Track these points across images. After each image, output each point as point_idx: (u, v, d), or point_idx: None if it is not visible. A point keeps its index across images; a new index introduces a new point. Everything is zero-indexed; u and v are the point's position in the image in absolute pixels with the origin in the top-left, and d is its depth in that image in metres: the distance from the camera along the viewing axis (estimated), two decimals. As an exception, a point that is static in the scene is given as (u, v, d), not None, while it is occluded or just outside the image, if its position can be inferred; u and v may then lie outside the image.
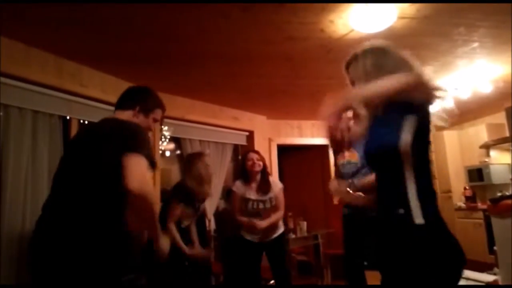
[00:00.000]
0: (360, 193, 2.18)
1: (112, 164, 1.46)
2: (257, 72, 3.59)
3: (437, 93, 1.27)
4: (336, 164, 3.29)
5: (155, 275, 2.73)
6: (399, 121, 1.23)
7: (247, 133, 5.15)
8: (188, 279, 2.86)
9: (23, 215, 2.64)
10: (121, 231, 1.54)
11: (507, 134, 5.06)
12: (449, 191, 5.69)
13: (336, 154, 3.30)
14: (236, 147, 5.14)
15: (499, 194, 4.63)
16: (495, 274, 3.73)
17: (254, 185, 3.27)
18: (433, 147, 5.95)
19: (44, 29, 2.58)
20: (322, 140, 5.71)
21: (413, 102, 1.23)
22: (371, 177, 2.56)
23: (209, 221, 4.38)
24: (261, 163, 3.27)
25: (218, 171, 4.66)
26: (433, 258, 1.17)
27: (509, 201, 3.43)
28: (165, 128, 3.99)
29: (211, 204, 4.45)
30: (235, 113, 4.93)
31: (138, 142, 1.53)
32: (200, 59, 3.23)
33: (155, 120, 1.89)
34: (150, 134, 1.97)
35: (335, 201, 3.13)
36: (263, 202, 3.24)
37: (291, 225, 4.53)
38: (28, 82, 2.78)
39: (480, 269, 3.76)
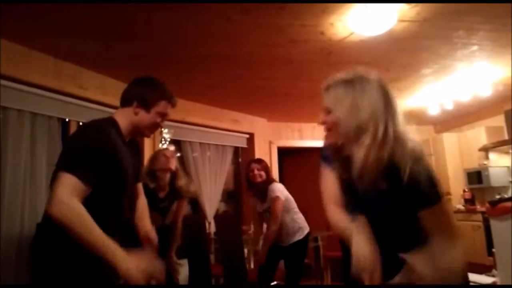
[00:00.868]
0: None
1: None
2: (258, 74, 3.60)
3: None
4: None
5: None
6: None
7: (247, 136, 5.15)
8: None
9: (22, 217, 2.64)
10: (121, 234, 1.53)
11: (506, 137, 5.06)
12: (448, 193, 5.69)
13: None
14: (236, 150, 5.14)
15: (497, 196, 4.63)
16: (493, 276, 3.73)
17: (257, 196, 3.23)
18: (432, 149, 5.97)
19: (44, 31, 2.58)
20: (322, 143, 5.72)
21: None
22: None
23: (209, 223, 4.37)
24: (262, 173, 3.17)
25: (218, 174, 4.66)
26: None
27: (507, 204, 3.42)
28: (165, 130, 3.98)
29: (211, 207, 4.44)
30: (235, 115, 4.93)
31: (73, 157, 1.32)
32: (201, 62, 3.24)
33: (161, 115, 1.55)
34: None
35: None
36: (265, 212, 3.20)
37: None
38: (27, 84, 2.78)
39: (479, 271, 3.76)
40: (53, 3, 2.21)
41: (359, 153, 1.16)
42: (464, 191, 5.65)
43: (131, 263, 1.25)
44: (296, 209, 3.21)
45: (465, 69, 3.70)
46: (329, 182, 1.48)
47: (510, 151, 5.18)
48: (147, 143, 3.84)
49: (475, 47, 3.19)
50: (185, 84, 3.80)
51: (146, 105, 1.52)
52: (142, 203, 1.76)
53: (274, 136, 5.46)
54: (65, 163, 1.30)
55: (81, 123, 3.19)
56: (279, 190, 3.11)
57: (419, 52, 3.24)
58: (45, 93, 2.92)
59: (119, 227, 1.49)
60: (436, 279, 1.08)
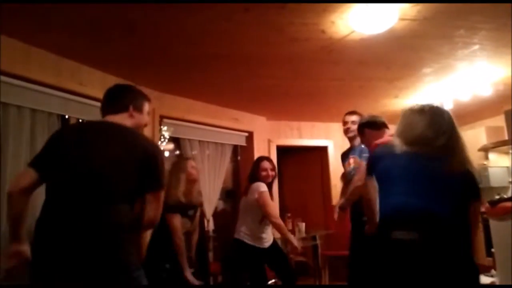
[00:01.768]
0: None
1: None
2: (257, 73, 3.59)
3: None
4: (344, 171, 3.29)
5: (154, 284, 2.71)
6: None
7: (246, 134, 5.14)
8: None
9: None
10: (118, 231, 1.52)
11: (506, 137, 5.06)
12: (448, 193, 5.69)
13: (343, 161, 3.28)
14: (235, 148, 5.13)
15: (497, 196, 4.63)
16: (492, 276, 3.74)
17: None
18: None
19: (43, 27, 2.57)
20: (321, 142, 5.74)
21: None
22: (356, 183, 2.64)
23: (208, 221, 4.37)
24: (274, 173, 3.19)
25: (217, 172, 4.65)
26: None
27: (507, 204, 3.43)
28: (165, 128, 3.98)
29: (210, 205, 4.44)
30: (235, 114, 4.92)
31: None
32: (201, 60, 3.23)
33: (148, 114, 1.85)
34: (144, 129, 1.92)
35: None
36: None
37: (289, 226, 4.52)
38: (27, 81, 2.77)
39: (478, 271, 3.76)
40: (54, 3, 2.20)
41: None
42: (463, 191, 5.64)
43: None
44: None
45: (466, 68, 3.69)
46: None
47: (510, 151, 5.19)
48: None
49: (476, 47, 3.18)
50: (184, 82, 3.79)
51: (140, 108, 1.78)
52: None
53: (273, 135, 5.46)
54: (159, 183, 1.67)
55: (80, 120, 3.18)
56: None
57: (419, 51, 3.23)
58: (45, 89, 2.90)
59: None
60: None
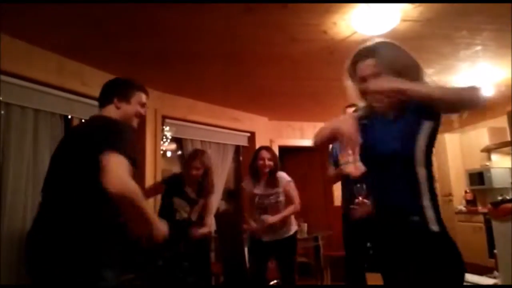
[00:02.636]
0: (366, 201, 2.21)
1: (93, 162, 1.37)
2: (259, 73, 3.59)
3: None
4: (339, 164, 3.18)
5: (153, 275, 2.72)
6: (417, 126, 1.26)
7: (248, 134, 5.15)
8: (186, 278, 2.81)
9: (24, 214, 2.64)
10: (115, 230, 1.53)
11: (509, 138, 5.04)
12: (450, 194, 5.67)
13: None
14: (237, 148, 5.14)
15: (499, 198, 4.62)
16: (495, 277, 3.73)
17: (262, 182, 3.15)
18: (434, 150, 5.94)
19: (46, 27, 2.58)
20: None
21: (437, 110, 1.25)
22: None
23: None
24: (271, 163, 3.10)
25: (219, 172, 4.65)
26: (446, 264, 1.20)
27: (509, 205, 3.42)
28: (167, 128, 3.99)
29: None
30: (237, 114, 4.93)
31: (118, 139, 1.43)
32: (203, 60, 3.24)
33: (141, 104, 1.73)
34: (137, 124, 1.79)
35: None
36: (268, 196, 3.10)
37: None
38: (30, 81, 2.79)
39: (480, 272, 3.76)
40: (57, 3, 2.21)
41: None
42: (465, 192, 5.63)
43: (164, 227, 1.58)
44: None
45: (468, 69, 3.69)
46: None
47: (513, 152, 5.17)
48: (149, 141, 3.84)
49: (478, 48, 3.17)
50: (186, 82, 3.80)
51: (126, 98, 1.68)
52: None
53: (275, 135, 5.46)
54: (113, 145, 1.39)
55: (83, 120, 3.19)
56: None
57: (422, 52, 3.22)
58: (48, 89, 2.92)
59: None
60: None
